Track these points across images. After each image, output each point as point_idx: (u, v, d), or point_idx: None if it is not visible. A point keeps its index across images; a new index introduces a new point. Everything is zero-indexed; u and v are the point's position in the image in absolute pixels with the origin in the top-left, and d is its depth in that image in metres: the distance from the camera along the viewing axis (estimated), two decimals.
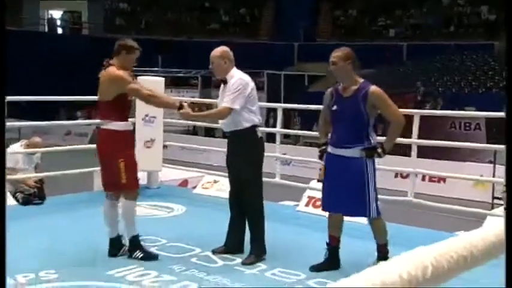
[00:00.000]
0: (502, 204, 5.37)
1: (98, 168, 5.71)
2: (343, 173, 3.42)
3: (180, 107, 3.72)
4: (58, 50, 20.42)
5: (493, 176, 8.38)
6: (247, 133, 3.77)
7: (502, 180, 7.42)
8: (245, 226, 3.85)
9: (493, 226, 1.21)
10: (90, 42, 21.83)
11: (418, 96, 17.31)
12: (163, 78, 6.08)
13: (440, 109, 14.95)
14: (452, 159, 10.18)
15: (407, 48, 22.12)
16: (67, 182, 6.30)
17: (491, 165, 8.86)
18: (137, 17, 25.29)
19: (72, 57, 20.27)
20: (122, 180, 3.74)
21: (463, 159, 10.30)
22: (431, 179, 9.63)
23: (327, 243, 3.62)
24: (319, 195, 5.10)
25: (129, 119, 3.97)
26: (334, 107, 3.49)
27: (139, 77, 5.94)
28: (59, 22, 25.68)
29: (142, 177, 6.15)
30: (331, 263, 3.59)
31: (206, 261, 3.75)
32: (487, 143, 9.73)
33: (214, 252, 3.87)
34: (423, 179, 9.46)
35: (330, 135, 3.61)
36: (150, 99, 3.86)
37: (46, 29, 24.55)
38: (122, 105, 3.74)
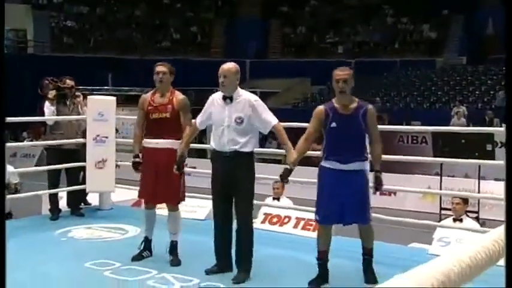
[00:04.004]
0: (450, 215, 5.56)
1: (47, 191, 5.57)
2: (348, 185, 3.56)
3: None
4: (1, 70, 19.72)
5: (440, 188, 8.66)
6: (253, 154, 3.79)
7: (449, 192, 7.70)
8: (231, 245, 3.81)
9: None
10: (36, 61, 21.22)
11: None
12: (115, 98, 5.97)
13: (388, 123, 15.42)
14: (401, 172, 10.45)
15: (355, 65, 22.77)
16: (14, 206, 6.04)
17: (438, 177, 9.16)
18: (86, 36, 24.82)
19: (16, 76, 19.61)
20: None
21: (410, 171, 10.60)
22: (382, 192, 9.85)
23: (317, 258, 3.69)
24: (275, 212, 5.16)
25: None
26: (333, 124, 3.58)
27: (89, 97, 5.84)
28: None
29: (94, 199, 5.99)
30: (324, 275, 3.67)
31: (163, 283, 3.66)
32: (434, 155, 10.09)
33: (207, 272, 3.78)
34: (375, 192, 9.65)
35: (324, 151, 3.64)
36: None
37: None
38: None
